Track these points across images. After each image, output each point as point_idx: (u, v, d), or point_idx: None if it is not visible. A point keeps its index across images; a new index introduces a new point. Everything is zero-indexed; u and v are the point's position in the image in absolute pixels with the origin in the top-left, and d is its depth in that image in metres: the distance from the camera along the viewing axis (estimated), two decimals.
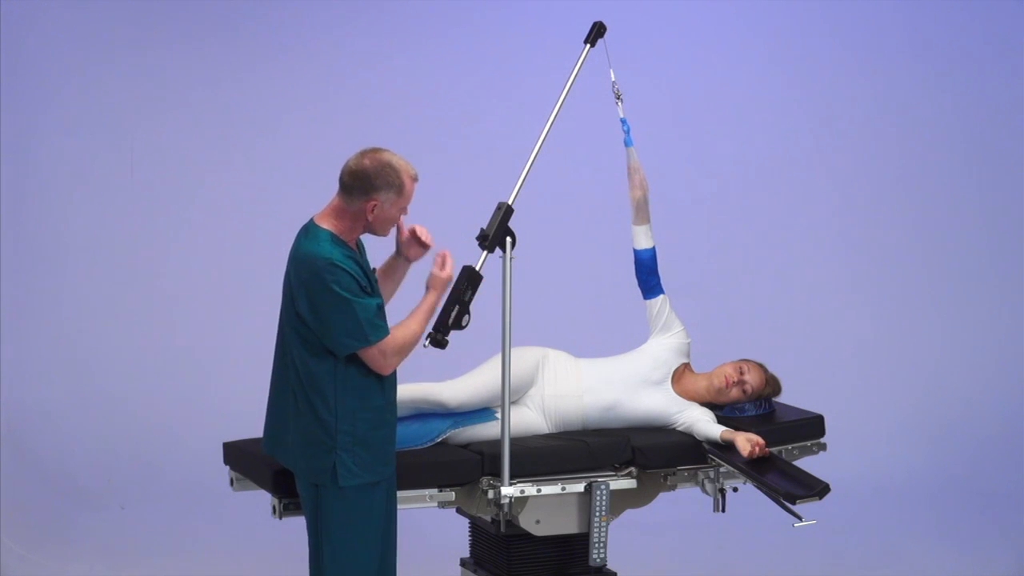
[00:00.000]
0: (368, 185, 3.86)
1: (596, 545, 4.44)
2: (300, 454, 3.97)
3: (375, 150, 3.91)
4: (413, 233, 4.10)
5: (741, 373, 4.78)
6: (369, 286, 3.90)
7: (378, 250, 4.17)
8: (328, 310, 3.83)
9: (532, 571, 4.54)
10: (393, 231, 4.05)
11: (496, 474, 4.34)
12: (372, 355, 3.87)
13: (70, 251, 7.23)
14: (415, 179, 3.93)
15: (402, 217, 4.03)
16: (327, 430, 3.90)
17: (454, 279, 4.07)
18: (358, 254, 3.96)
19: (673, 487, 4.65)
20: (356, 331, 3.83)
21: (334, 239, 3.89)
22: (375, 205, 3.87)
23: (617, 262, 5.34)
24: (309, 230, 3.93)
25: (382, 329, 3.87)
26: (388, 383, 3.97)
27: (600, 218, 7.06)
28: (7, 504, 6.45)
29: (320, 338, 3.86)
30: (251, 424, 4.95)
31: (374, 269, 4.08)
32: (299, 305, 3.88)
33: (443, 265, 4.04)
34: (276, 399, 4.05)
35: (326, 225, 3.92)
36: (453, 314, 4.09)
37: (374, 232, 3.96)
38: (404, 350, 3.93)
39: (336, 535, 3.94)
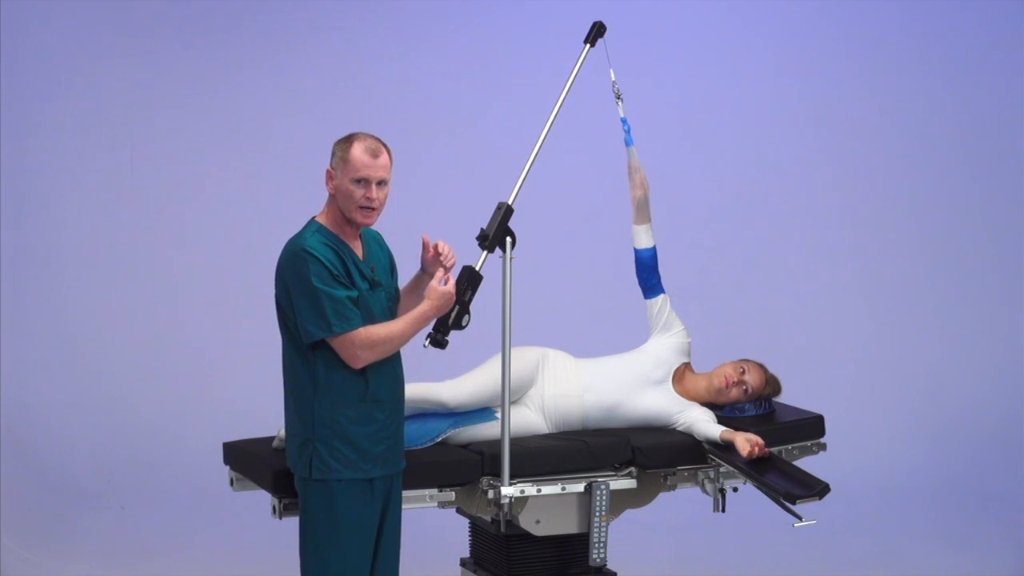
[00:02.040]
0: (331, 156, 3.93)
1: (596, 545, 4.44)
2: (288, 448, 3.99)
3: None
4: (436, 250, 4.09)
5: (741, 373, 4.78)
6: (345, 277, 3.89)
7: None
8: (298, 297, 3.85)
9: (532, 571, 4.54)
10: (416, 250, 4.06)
11: (496, 474, 4.34)
12: (340, 344, 3.86)
13: (70, 251, 7.22)
14: (371, 152, 3.88)
15: (427, 235, 4.08)
16: (305, 421, 3.91)
17: (454, 296, 4.02)
18: (349, 245, 3.94)
19: (673, 487, 4.65)
20: (321, 320, 3.83)
21: (321, 229, 3.93)
22: (330, 172, 3.91)
23: (617, 262, 5.34)
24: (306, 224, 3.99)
25: (349, 321, 3.85)
26: (377, 380, 3.94)
27: (600, 218, 7.06)
28: (7, 504, 6.45)
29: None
30: (251, 424, 4.96)
31: (397, 289, 4.10)
32: (278, 293, 3.93)
33: (444, 281, 4.01)
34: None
35: (319, 218, 3.97)
36: (453, 314, 4.08)
37: (344, 211, 3.92)
38: (377, 346, 3.89)
39: (318, 530, 3.93)
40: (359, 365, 3.89)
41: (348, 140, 3.92)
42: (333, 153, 3.93)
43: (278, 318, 3.97)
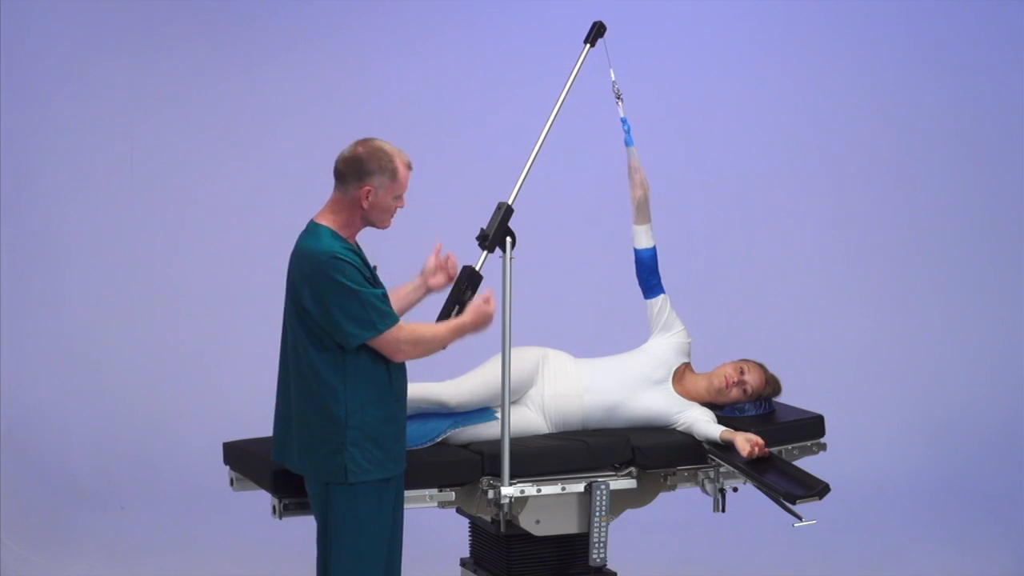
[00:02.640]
0: (361, 171, 3.87)
1: (596, 545, 4.44)
2: (309, 454, 3.95)
3: (368, 139, 3.94)
4: (445, 262, 4.12)
5: (741, 373, 4.78)
6: (372, 278, 3.92)
7: (387, 253, 4.18)
8: (335, 302, 3.83)
9: (532, 571, 4.54)
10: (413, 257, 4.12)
11: (496, 474, 4.34)
12: (384, 342, 3.87)
13: (70, 251, 7.22)
14: (409, 166, 3.93)
15: (439, 247, 4.12)
16: (337, 425, 3.89)
17: (492, 318, 4.06)
18: (358, 248, 3.96)
19: (673, 487, 4.65)
20: (364, 321, 3.83)
21: (334, 234, 3.90)
22: (369, 191, 3.87)
23: (617, 262, 5.34)
24: (309, 229, 3.95)
25: (390, 316, 3.87)
26: (397, 378, 3.96)
27: (600, 218, 7.06)
28: (7, 504, 6.45)
29: (329, 332, 3.86)
30: (251, 424, 4.96)
31: (380, 282, 4.10)
32: (304, 300, 3.87)
33: (488, 301, 4.06)
34: (281, 403, 4.05)
35: (325, 222, 3.93)
36: (453, 314, 4.09)
37: (372, 222, 3.94)
38: (420, 343, 3.93)
39: (345, 534, 3.94)
40: (400, 359, 3.93)
41: (388, 157, 3.88)
42: (370, 172, 3.86)
43: (298, 325, 3.91)
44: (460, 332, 4.03)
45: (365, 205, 3.89)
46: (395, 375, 3.96)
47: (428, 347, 3.96)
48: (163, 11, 7.33)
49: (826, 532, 5.30)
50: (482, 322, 4.04)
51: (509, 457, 4.28)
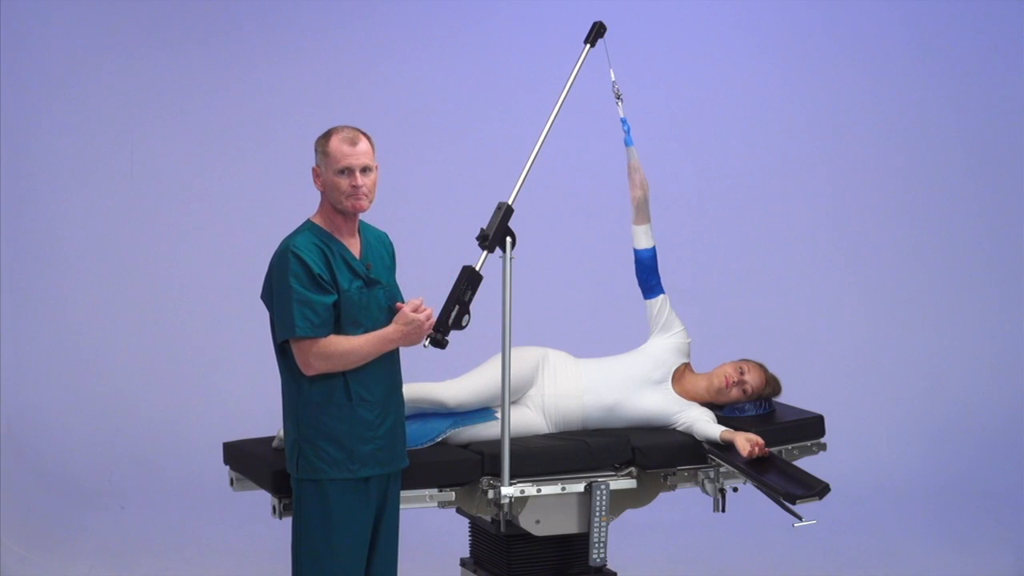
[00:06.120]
0: (314, 156, 3.97)
1: (596, 545, 4.44)
2: (286, 448, 4.03)
3: None
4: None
5: (741, 373, 4.78)
6: (329, 278, 3.89)
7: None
8: (276, 295, 3.89)
9: (532, 571, 4.55)
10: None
11: (496, 474, 4.34)
12: (297, 348, 3.87)
13: (70, 251, 7.22)
14: (349, 141, 3.90)
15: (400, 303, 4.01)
16: (294, 421, 3.94)
17: (423, 326, 3.94)
18: (342, 242, 3.94)
19: (673, 487, 4.65)
20: (287, 319, 3.85)
21: (313, 228, 3.95)
22: (316, 172, 3.96)
23: (617, 262, 5.34)
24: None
25: (316, 327, 3.84)
26: (359, 380, 3.92)
27: (600, 218, 7.06)
28: (7, 504, 6.45)
29: None
30: (251, 424, 4.97)
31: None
32: (263, 290, 3.96)
33: (417, 308, 3.94)
34: None
35: (313, 217, 3.99)
36: (453, 314, 4.07)
37: (336, 205, 3.92)
38: (332, 358, 3.86)
39: (306, 530, 3.95)
40: (309, 373, 3.88)
41: (326, 135, 3.95)
42: (315, 151, 3.96)
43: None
44: (384, 343, 3.92)
45: (318, 186, 3.96)
46: (354, 376, 3.91)
47: (344, 360, 3.88)
48: (163, 13, 7.32)
49: (826, 532, 5.30)
50: (412, 332, 3.93)
51: (509, 457, 4.28)
